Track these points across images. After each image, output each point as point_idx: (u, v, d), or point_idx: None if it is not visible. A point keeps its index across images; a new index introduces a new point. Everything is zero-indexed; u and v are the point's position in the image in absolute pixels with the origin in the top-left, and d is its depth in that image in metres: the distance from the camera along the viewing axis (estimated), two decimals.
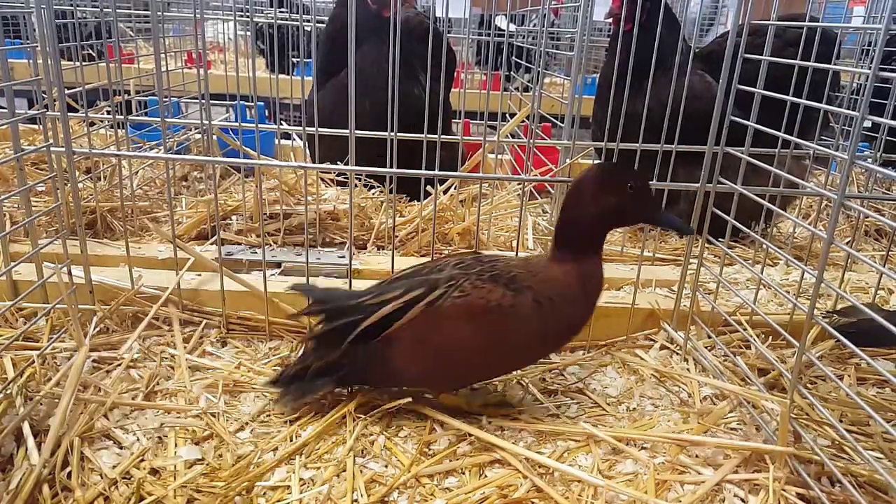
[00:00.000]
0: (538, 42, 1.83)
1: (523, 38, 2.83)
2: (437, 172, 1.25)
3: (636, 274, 1.34)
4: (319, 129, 1.38)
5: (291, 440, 1.00)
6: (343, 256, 1.46)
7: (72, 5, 1.82)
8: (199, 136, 2.10)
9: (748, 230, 1.15)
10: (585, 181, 1.00)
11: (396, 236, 1.59)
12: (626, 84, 1.40)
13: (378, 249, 1.60)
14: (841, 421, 1.09)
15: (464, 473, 0.94)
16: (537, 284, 0.99)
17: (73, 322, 1.16)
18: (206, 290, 1.30)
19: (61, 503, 0.85)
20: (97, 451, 0.94)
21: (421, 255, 1.56)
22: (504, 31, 2.58)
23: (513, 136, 2.11)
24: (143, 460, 0.94)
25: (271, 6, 2.56)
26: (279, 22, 2.57)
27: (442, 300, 0.97)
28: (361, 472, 0.93)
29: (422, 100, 1.74)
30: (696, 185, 1.22)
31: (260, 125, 1.36)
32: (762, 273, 1.21)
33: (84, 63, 1.64)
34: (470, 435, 1.02)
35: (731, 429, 1.06)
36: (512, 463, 0.95)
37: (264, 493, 0.89)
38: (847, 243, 1.87)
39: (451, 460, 0.96)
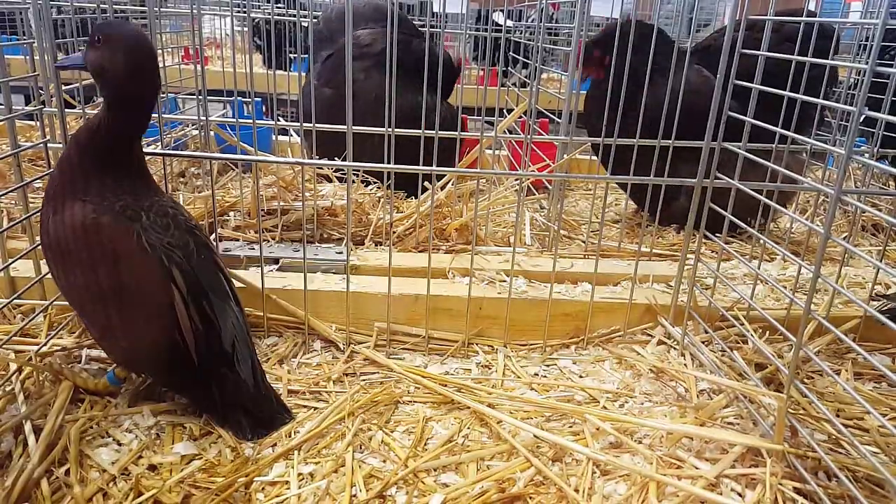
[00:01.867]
0: (536, 37, 1.83)
1: (521, 33, 2.83)
2: (434, 168, 1.25)
3: (633, 269, 1.34)
4: (317, 126, 1.38)
5: (290, 436, 1.00)
6: (341, 252, 1.46)
7: (68, 1, 1.81)
8: (196, 132, 2.09)
9: (745, 226, 1.15)
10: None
11: (394, 232, 1.59)
12: (616, 105, 1.41)
13: (376, 245, 1.60)
14: (838, 416, 1.09)
15: (463, 465, 0.95)
16: None
17: (72, 318, 1.16)
18: None
19: (60, 500, 0.85)
20: (96, 448, 0.94)
21: (419, 251, 1.57)
22: (501, 26, 2.57)
23: (510, 132, 2.10)
24: (141, 457, 0.94)
25: (268, 2, 2.55)
26: (276, 18, 2.56)
27: None
28: (360, 467, 0.94)
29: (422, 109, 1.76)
30: (694, 180, 1.22)
31: (257, 121, 1.36)
32: (759, 268, 1.22)
33: None
34: (468, 428, 1.02)
35: (728, 423, 1.06)
36: (510, 441, 0.95)
37: (263, 489, 0.89)
38: (844, 238, 1.87)
39: (448, 455, 0.96)
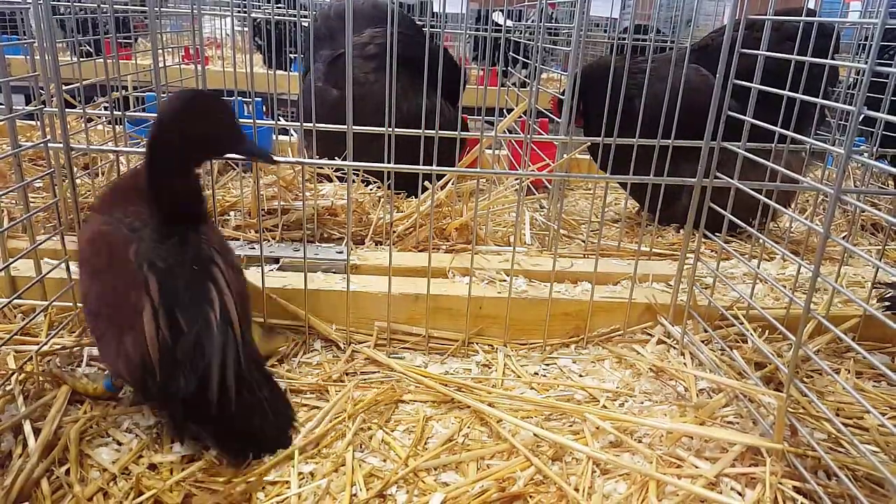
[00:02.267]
0: (535, 37, 1.83)
1: (520, 33, 2.83)
2: (434, 168, 1.25)
3: (633, 269, 1.34)
4: (318, 125, 1.38)
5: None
6: (341, 252, 1.46)
7: (69, 1, 1.81)
8: None
9: (745, 225, 1.15)
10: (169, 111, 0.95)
11: (394, 231, 1.59)
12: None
13: (376, 245, 1.60)
14: (837, 415, 1.09)
15: (463, 464, 0.95)
16: None
17: (72, 318, 1.16)
18: None
19: (61, 499, 0.85)
20: (96, 447, 0.94)
21: (419, 251, 1.57)
22: (501, 26, 2.58)
23: (510, 132, 2.10)
24: (141, 456, 0.94)
25: (268, 2, 2.56)
26: (277, 18, 2.57)
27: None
28: (360, 466, 0.94)
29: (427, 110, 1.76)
30: (693, 180, 1.22)
31: (257, 121, 1.36)
32: (759, 268, 1.22)
33: (81, 59, 1.64)
34: (468, 427, 1.03)
35: (728, 422, 1.06)
36: (510, 440, 0.95)
37: (263, 488, 0.90)
38: (843, 238, 1.87)
39: (448, 454, 0.97)
